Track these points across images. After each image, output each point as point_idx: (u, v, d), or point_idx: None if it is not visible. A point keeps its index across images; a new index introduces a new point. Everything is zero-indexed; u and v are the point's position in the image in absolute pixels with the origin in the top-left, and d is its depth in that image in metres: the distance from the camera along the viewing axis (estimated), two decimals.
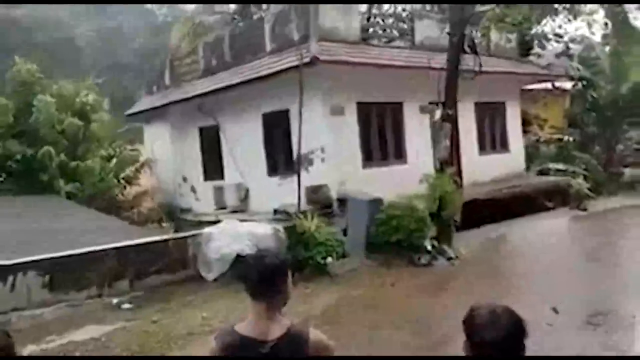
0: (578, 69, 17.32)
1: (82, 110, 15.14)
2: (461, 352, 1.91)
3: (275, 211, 11.12)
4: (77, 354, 5.92)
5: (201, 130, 14.87)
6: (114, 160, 15.95)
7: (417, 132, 12.97)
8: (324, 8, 11.58)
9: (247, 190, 13.34)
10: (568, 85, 18.48)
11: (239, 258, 8.34)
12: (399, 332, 6.34)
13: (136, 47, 34.33)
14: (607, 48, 17.98)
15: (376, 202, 9.96)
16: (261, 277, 2.10)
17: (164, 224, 14.91)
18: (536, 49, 16.23)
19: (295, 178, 11.01)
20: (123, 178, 15.76)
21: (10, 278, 7.29)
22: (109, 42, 33.42)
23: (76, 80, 16.60)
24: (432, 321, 6.71)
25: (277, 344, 2.05)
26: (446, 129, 10.40)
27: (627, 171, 16.22)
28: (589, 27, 17.14)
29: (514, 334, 1.82)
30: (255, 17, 16.66)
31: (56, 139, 14.21)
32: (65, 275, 7.73)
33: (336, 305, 7.49)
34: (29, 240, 8.93)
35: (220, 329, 2.19)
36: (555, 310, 6.71)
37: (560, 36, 16.77)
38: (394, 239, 9.45)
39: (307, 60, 10.49)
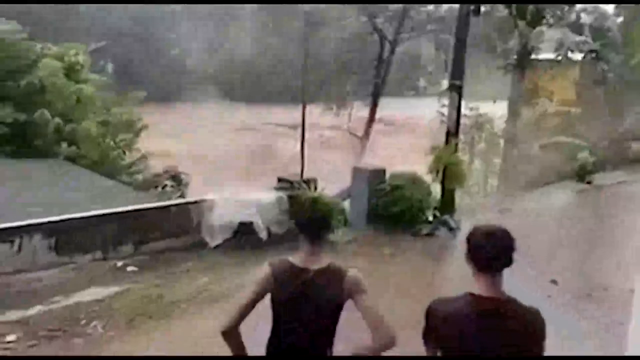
0: (586, 42, 17.01)
1: (73, 70, 14.59)
2: None
3: (279, 180, 11.11)
4: (82, 315, 6.02)
5: None
6: (109, 125, 15.51)
7: None
8: None
9: None
10: (578, 56, 18.18)
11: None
12: (395, 301, 6.40)
13: (135, 14, 33.78)
14: (620, 19, 17.57)
15: (378, 172, 9.94)
16: (313, 221, 2.64)
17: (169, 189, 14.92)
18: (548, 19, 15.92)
19: None
20: (120, 142, 15.52)
21: (17, 240, 7.37)
22: (108, 7, 32.84)
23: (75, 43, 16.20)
24: (429, 291, 6.76)
25: (317, 273, 2.55)
26: (453, 99, 10.30)
27: (634, 145, 16.09)
28: None
29: (507, 247, 2.21)
30: None
31: (50, 102, 13.58)
32: (70, 238, 7.80)
33: None
34: (34, 203, 8.99)
35: (274, 258, 2.67)
36: (554, 282, 6.77)
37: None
38: (397, 209, 9.45)
39: None
